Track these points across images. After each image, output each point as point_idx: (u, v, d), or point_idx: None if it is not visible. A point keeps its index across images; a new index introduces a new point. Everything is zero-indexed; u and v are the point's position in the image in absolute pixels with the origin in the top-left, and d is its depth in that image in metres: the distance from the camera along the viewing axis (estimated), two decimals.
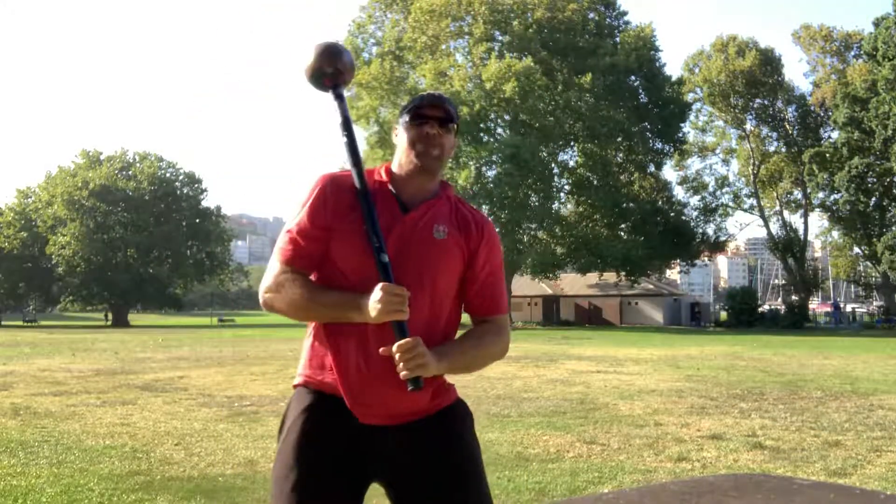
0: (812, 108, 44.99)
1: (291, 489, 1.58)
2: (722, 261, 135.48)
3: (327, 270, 1.65)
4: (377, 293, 1.51)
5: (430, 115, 1.67)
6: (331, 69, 1.77)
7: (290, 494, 1.58)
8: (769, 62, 43.91)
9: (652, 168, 41.21)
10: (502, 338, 1.72)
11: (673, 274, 65.06)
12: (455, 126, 1.72)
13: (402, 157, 1.70)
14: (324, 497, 1.59)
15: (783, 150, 45.73)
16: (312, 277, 1.66)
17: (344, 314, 1.58)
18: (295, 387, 1.71)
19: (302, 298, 1.60)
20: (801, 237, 46.09)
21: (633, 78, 37.98)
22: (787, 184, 46.73)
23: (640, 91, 38.76)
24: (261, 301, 1.68)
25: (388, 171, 1.72)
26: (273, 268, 1.66)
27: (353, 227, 1.61)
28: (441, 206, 1.70)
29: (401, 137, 1.71)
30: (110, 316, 52.75)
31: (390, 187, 1.69)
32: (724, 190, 46.10)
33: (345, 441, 1.61)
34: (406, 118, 1.69)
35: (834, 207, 39.31)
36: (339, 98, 1.77)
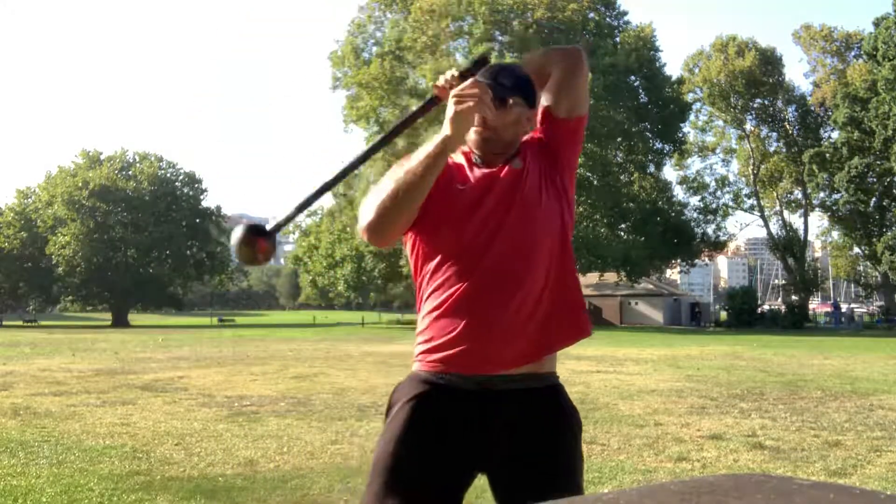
0: (812, 108, 45.01)
1: (392, 476, 1.55)
2: (722, 261, 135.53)
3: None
4: (450, 101, 1.54)
5: (510, 95, 1.67)
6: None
7: (390, 481, 1.55)
8: (769, 62, 43.93)
9: (652, 168, 41.20)
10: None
11: (673, 274, 65.09)
12: (509, 103, 1.65)
13: (469, 138, 1.71)
14: (426, 486, 1.55)
15: (783, 150, 45.74)
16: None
17: (433, 150, 1.53)
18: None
19: (400, 171, 1.56)
20: (801, 237, 46.10)
21: (633, 78, 37.96)
22: (787, 184, 46.74)
23: (640, 91, 38.75)
24: (364, 228, 1.59)
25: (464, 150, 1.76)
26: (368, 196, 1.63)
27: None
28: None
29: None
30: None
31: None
32: (724, 190, 46.14)
33: (456, 423, 1.58)
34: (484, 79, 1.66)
35: (834, 207, 39.34)
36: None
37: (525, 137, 1.70)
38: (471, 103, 1.50)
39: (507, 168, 1.64)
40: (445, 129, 1.51)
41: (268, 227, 1.70)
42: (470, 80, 1.52)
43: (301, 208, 1.69)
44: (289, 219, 1.68)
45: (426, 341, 1.63)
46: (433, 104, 1.71)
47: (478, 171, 1.65)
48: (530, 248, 1.59)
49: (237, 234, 1.69)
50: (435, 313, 1.61)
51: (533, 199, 1.61)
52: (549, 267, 1.62)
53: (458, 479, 1.60)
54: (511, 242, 1.58)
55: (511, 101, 1.64)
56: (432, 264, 1.62)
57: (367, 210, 1.57)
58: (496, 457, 1.59)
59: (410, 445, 1.56)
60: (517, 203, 1.60)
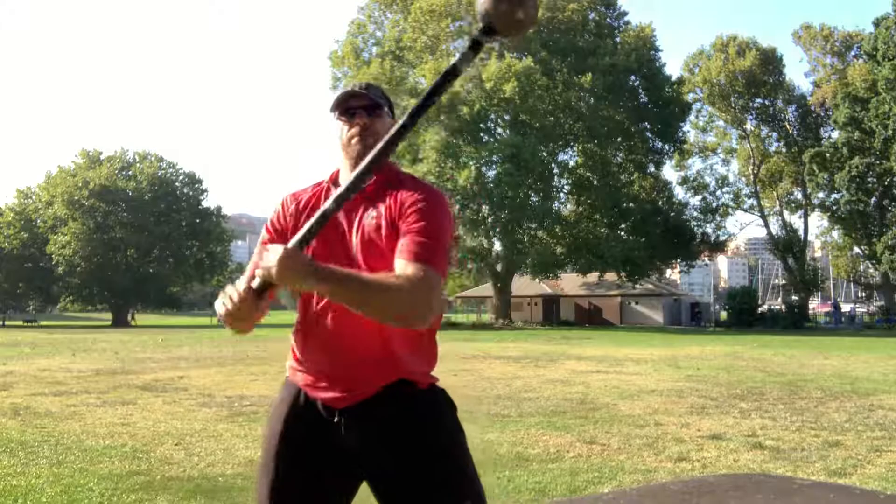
0: (812, 108, 45.03)
1: (263, 479, 1.66)
2: (722, 261, 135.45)
3: None
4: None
5: (356, 105, 1.69)
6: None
7: (262, 485, 1.65)
8: (769, 62, 43.94)
9: (652, 168, 41.20)
10: (402, 281, 1.48)
11: (673, 274, 65.09)
12: (384, 110, 1.71)
13: (345, 156, 1.71)
14: (289, 490, 1.63)
15: (783, 150, 45.76)
16: None
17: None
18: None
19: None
20: (801, 237, 46.12)
21: (633, 78, 37.97)
22: (787, 184, 46.77)
23: (640, 91, 38.75)
24: (432, 318, 1.56)
25: (335, 175, 1.75)
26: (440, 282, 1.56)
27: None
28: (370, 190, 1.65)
29: (337, 134, 1.72)
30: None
31: (333, 187, 1.72)
32: (724, 190, 46.15)
33: (309, 432, 1.64)
34: (335, 116, 1.72)
35: (834, 207, 39.35)
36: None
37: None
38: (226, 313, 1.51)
39: (361, 201, 1.66)
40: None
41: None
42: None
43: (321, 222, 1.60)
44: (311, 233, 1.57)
45: (292, 352, 1.73)
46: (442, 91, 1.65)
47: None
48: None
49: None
50: (297, 333, 1.71)
51: (371, 226, 1.62)
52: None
53: (334, 494, 1.65)
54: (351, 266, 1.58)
55: (384, 109, 1.73)
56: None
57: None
58: (366, 474, 1.64)
59: (278, 470, 1.65)
60: (362, 244, 1.62)
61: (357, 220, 1.64)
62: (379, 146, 1.50)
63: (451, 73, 1.54)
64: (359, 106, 1.69)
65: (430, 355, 1.70)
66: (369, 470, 1.62)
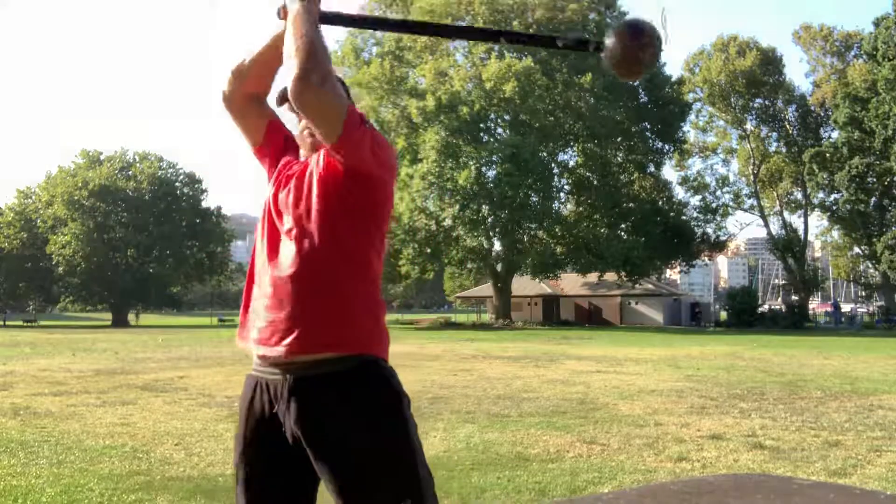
0: (812, 108, 45.02)
1: (238, 479, 1.67)
2: (722, 261, 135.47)
3: None
4: None
5: (285, 115, 1.82)
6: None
7: (239, 484, 1.67)
8: (770, 62, 43.91)
9: (652, 168, 41.20)
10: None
11: (673, 274, 65.10)
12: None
13: (300, 144, 1.80)
14: (259, 481, 1.64)
15: (783, 150, 45.75)
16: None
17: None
18: None
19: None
20: (801, 237, 46.11)
21: None
22: (787, 184, 46.76)
23: (640, 91, 38.73)
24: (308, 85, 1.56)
25: None
26: None
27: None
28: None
29: (292, 127, 1.81)
30: (139, 315, 53.20)
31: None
32: (724, 190, 46.14)
33: (264, 412, 1.64)
34: (285, 108, 1.80)
35: (834, 207, 39.35)
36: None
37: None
38: None
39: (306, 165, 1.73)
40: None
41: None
42: None
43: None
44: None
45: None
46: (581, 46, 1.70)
47: (298, 162, 1.79)
48: (307, 242, 1.62)
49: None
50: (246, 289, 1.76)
51: (299, 197, 1.67)
52: (327, 265, 1.61)
53: (295, 481, 1.63)
54: (271, 236, 1.69)
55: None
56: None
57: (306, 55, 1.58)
58: (310, 451, 1.57)
59: (244, 448, 1.67)
60: (292, 194, 1.68)
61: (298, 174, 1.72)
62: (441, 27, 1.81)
63: (549, 41, 1.65)
64: (287, 111, 1.78)
65: (359, 321, 1.61)
66: (304, 446, 1.58)
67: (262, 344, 1.62)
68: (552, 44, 1.61)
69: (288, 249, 1.63)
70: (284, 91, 1.73)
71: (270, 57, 1.74)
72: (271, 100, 1.87)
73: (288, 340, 1.57)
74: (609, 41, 1.54)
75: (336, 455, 1.53)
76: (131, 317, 53.07)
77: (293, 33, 1.57)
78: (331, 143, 1.58)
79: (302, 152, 1.78)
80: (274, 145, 1.84)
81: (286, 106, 1.77)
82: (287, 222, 1.65)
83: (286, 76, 1.55)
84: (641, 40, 1.55)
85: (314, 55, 1.53)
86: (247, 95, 1.82)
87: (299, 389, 1.57)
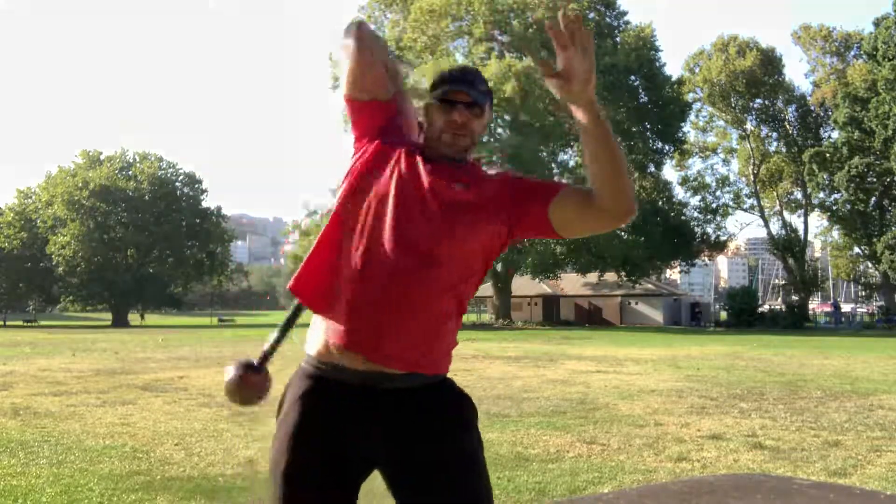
0: (812, 108, 45.04)
1: (283, 475, 1.55)
2: (722, 261, 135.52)
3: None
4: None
5: (457, 100, 1.59)
6: None
7: (282, 480, 1.55)
8: (769, 62, 43.94)
9: (652, 168, 41.21)
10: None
11: (673, 274, 65.10)
12: (484, 109, 1.63)
13: (430, 141, 1.64)
14: (314, 482, 1.55)
15: (783, 150, 45.77)
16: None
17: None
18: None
19: None
20: (801, 237, 46.13)
21: (633, 78, 37.97)
22: (787, 184, 46.78)
23: (640, 91, 38.75)
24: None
25: (413, 144, 1.68)
26: None
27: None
28: (463, 168, 1.64)
29: (429, 118, 1.64)
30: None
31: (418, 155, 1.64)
32: (724, 190, 46.16)
33: (341, 416, 1.56)
34: (435, 101, 1.61)
35: (834, 207, 39.36)
36: None
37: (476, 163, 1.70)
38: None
39: (448, 171, 1.61)
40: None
41: (255, 362, 1.76)
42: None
43: (280, 338, 1.77)
44: (273, 348, 1.74)
45: (318, 329, 1.64)
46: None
47: (421, 164, 1.61)
48: (428, 252, 1.54)
49: (230, 376, 1.73)
50: (336, 301, 1.60)
51: (455, 210, 1.56)
52: (448, 276, 1.56)
53: (352, 477, 1.58)
54: (419, 244, 1.54)
55: (486, 106, 1.65)
56: (354, 237, 1.60)
57: None
58: (389, 454, 1.56)
59: (303, 446, 1.56)
60: (442, 215, 1.56)
61: (437, 186, 1.58)
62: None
63: None
64: (461, 101, 1.59)
65: (452, 345, 1.67)
66: (393, 454, 1.56)
67: (377, 351, 1.54)
68: None
69: (431, 264, 1.53)
70: (448, 92, 1.60)
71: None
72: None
73: (413, 357, 1.55)
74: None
75: (445, 456, 1.55)
76: (135, 317, 53.08)
77: (615, 150, 1.51)
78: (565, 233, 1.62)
79: (440, 150, 1.63)
80: (387, 115, 1.70)
81: (437, 100, 1.61)
82: (432, 238, 1.54)
83: (621, 194, 1.52)
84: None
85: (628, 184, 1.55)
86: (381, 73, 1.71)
87: (398, 397, 1.56)
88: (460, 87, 1.60)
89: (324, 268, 1.62)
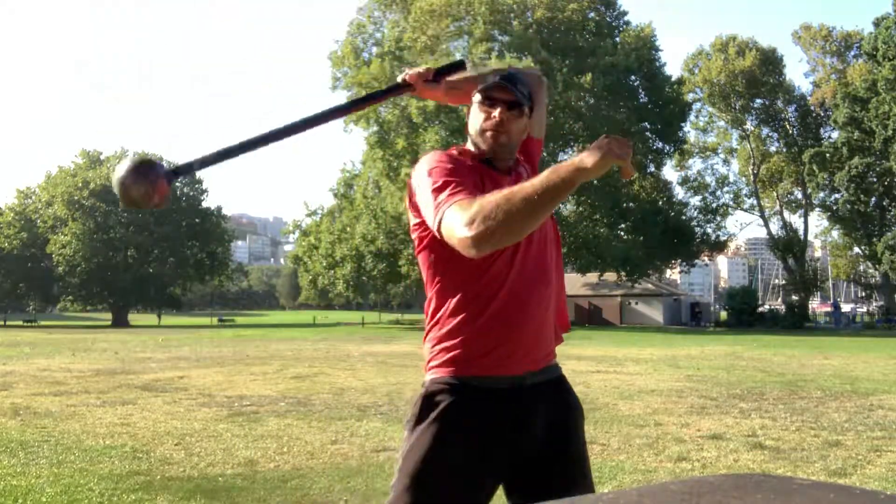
0: (812, 108, 45.04)
1: (428, 492, 1.52)
2: (722, 261, 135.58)
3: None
4: (601, 139, 1.38)
5: (499, 97, 1.63)
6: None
7: (431, 488, 1.52)
8: (769, 62, 43.96)
9: (652, 168, 41.21)
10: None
11: (673, 274, 65.08)
12: (525, 109, 1.66)
13: (475, 140, 1.68)
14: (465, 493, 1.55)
15: (783, 150, 45.77)
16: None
17: (562, 179, 1.37)
18: (433, 381, 1.63)
19: (514, 196, 1.35)
20: (801, 237, 46.13)
21: (633, 78, 37.95)
22: (787, 184, 46.79)
23: (640, 91, 38.74)
24: (471, 237, 1.36)
25: (468, 152, 1.70)
26: (458, 207, 1.41)
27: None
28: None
29: (473, 117, 1.68)
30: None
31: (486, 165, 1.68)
32: (724, 190, 46.17)
33: (492, 428, 1.58)
34: (478, 98, 1.66)
35: (834, 207, 39.35)
36: None
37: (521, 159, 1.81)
38: (625, 158, 1.39)
39: (516, 176, 1.68)
40: (586, 163, 1.36)
41: (175, 167, 1.59)
42: (626, 140, 1.43)
43: (222, 156, 1.56)
44: (204, 162, 1.54)
45: (455, 348, 1.60)
46: (399, 91, 1.77)
47: (497, 179, 1.63)
48: (544, 251, 1.69)
49: (125, 167, 1.54)
50: (469, 322, 1.59)
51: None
52: (554, 266, 1.73)
53: (490, 486, 1.62)
54: (532, 249, 1.66)
55: (527, 109, 1.68)
56: (460, 273, 1.59)
57: (477, 218, 1.37)
58: (526, 453, 1.63)
59: (447, 458, 1.54)
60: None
61: None
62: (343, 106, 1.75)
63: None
64: (502, 99, 1.63)
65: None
66: (536, 449, 1.63)
67: (534, 362, 1.69)
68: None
69: (553, 269, 1.72)
70: (491, 87, 1.64)
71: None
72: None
73: (549, 353, 1.73)
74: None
75: (582, 445, 1.72)
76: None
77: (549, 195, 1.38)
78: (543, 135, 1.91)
79: (480, 146, 1.67)
80: None
81: (481, 96, 1.65)
82: (549, 241, 1.74)
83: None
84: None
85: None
86: None
87: (552, 390, 1.70)
88: (503, 84, 1.63)
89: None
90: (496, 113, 1.62)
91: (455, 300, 1.60)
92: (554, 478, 1.62)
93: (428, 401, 1.60)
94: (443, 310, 1.62)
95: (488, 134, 1.64)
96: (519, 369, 1.62)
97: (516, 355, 1.61)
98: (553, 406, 1.67)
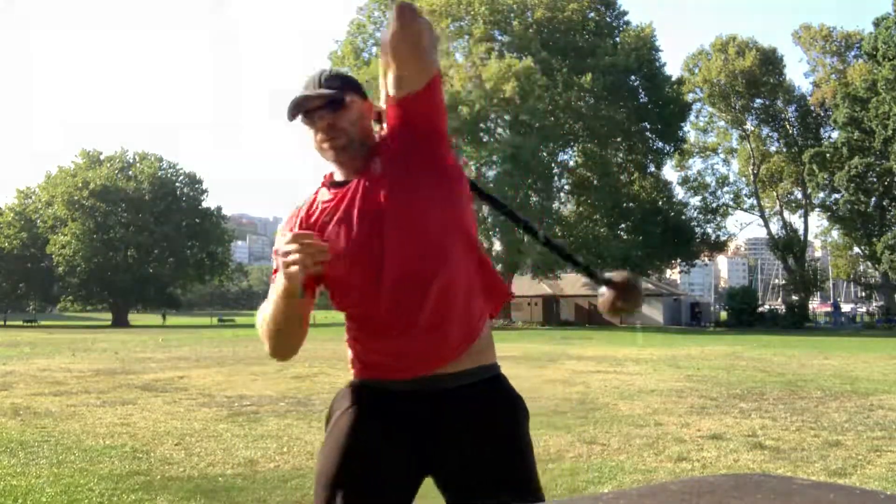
0: (812, 108, 45.03)
1: (337, 491, 1.51)
2: (722, 261, 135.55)
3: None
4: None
5: (315, 107, 1.55)
6: None
7: (335, 496, 1.51)
8: (769, 62, 43.95)
9: (652, 168, 41.22)
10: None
11: (673, 274, 65.09)
12: (346, 99, 1.56)
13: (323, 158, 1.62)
14: (372, 497, 1.52)
15: (783, 150, 45.77)
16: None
17: (280, 303, 1.46)
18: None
19: (264, 320, 1.55)
20: (801, 237, 46.13)
21: (633, 78, 37.97)
22: (787, 184, 46.79)
23: (640, 91, 38.75)
24: (271, 355, 1.62)
25: (330, 176, 1.64)
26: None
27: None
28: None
29: (309, 140, 1.61)
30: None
31: (329, 189, 1.61)
32: (724, 190, 46.17)
33: (391, 422, 1.55)
34: (299, 121, 1.58)
35: (834, 207, 39.35)
36: None
37: (382, 133, 1.62)
38: (293, 268, 1.39)
39: (363, 177, 1.56)
40: (281, 282, 1.43)
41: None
42: (288, 236, 1.42)
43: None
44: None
45: (356, 357, 1.62)
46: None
47: (334, 193, 1.58)
48: (421, 244, 1.51)
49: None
50: (352, 333, 1.61)
51: (403, 197, 1.51)
52: (452, 250, 1.54)
53: (405, 486, 1.56)
54: (401, 249, 1.50)
55: (347, 98, 1.58)
56: (339, 294, 1.59)
57: (263, 339, 1.56)
58: (443, 456, 1.55)
59: (354, 456, 1.54)
60: (388, 208, 1.50)
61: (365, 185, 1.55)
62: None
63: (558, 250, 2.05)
64: (317, 107, 1.55)
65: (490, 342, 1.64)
66: (451, 446, 1.54)
67: (427, 365, 1.55)
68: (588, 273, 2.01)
69: (407, 258, 1.51)
70: (298, 104, 1.56)
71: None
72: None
73: (446, 355, 1.55)
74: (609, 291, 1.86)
75: (497, 451, 1.56)
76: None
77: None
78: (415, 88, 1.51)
79: (340, 172, 1.60)
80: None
81: (301, 119, 1.58)
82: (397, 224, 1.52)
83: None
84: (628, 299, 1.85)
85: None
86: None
87: (454, 395, 1.56)
88: (308, 95, 1.55)
89: None
90: (318, 122, 1.55)
91: (346, 317, 1.63)
92: (470, 479, 1.54)
93: (337, 402, 1.64)
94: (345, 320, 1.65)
95: (325, 146, 1.56)
96: (412, 374, 1.53)
97: (405, 362, 1.53)
98: (467, 408, 1.54)
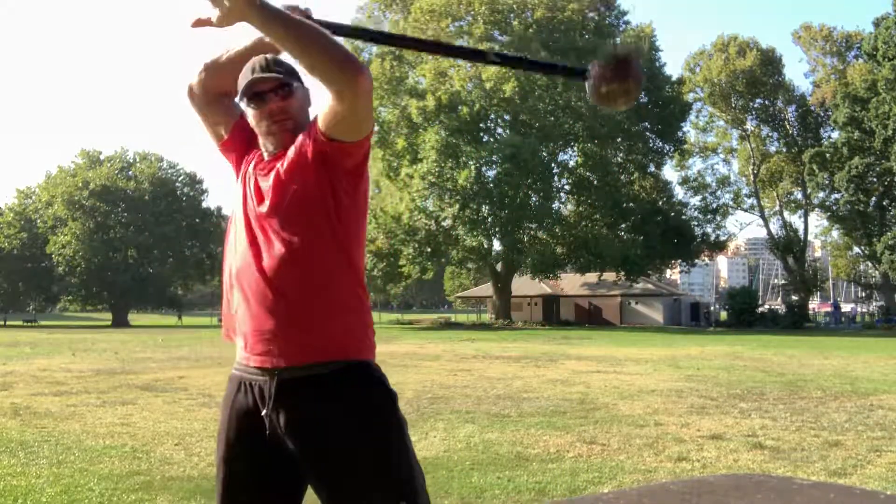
0: (812, 108, 45.02)
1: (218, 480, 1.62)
2: (722, 261, 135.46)
3: None
4: None
5: (264, 89, 1.58)
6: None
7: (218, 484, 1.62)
8: (770, 62, 43.94)
9: (652, 168, 41.20)
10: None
11: (673, 274, 65.11)
12: (294, 85, 1.61)
13: (264, 143, 1.65)
14: (242, 484, 1.59)
15: (783, 150, 45.77)
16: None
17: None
18: None
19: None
20: (801, 237, 46.12)
21: None
22: (787, 184, 46.78)
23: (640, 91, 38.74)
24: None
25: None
26: None
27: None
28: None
29: (252, 121, 1.65)
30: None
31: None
32: (724, 190, 46.17)
33: (249, 417, 1.58)
34: (245, 104, 1.63)
35: (834, 207, 39.35)
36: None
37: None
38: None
39: (272, 163, 1.62)
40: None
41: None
42: None
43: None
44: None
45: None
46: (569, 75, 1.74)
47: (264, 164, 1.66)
48: (263, 240, 1.56)
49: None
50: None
51: (277, 188, 1.57)
52: (290, 251, 1.54)
53: (278, 483, 1.58)
54: (250, 235, 1.58)
55: (294, 84, 1.62)
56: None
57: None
58: (299, 454, 1.54)
59: (229, 458, 1.61)
60: (266, 194, 1.59)
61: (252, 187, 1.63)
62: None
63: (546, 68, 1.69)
64: (268, 89, 1.59)
65: (353, 324, 1.60)
66: (302, 443, 1.53)
67: (248, 351, 1.58)
68: (549, 70, 1.72)
69: (271, 251, 1.54)
70: (251, 84, 1.59)
71: (249, 57, 1.66)
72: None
73: (278, 349, 1.53)
74: (594, 71, 1.56)
75: (331, 457, 1.51)
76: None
77: (303, 39, 1.45)
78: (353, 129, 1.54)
79: (268, 148, 1.64)
80: (240, 141, 1.73)
81: (247, 101, 1.62)
82: (268, 221, 1.56)
83: (324, 80, 1.48)
84: (624, 80, 1.56)
85: (331, 47, 1.49)
86: (218, 92, 1.73)
87: (289, 391, 1.53)
88: (262, 77, 1.59)
89: None
90: (268, 104, 1.59)
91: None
92: (311, 479, 1.55)
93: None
94: None
95: (274, 129, 1.60)
96: (256, 363, 1.56)
97: (248, 346, 1.58)
98: (305, 406, 1.52)
